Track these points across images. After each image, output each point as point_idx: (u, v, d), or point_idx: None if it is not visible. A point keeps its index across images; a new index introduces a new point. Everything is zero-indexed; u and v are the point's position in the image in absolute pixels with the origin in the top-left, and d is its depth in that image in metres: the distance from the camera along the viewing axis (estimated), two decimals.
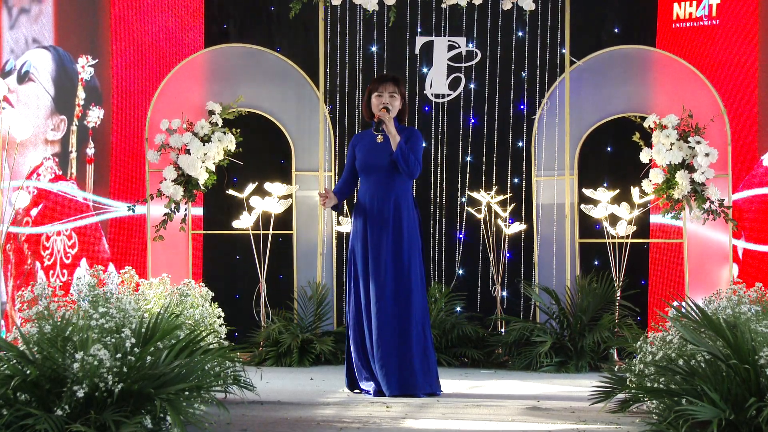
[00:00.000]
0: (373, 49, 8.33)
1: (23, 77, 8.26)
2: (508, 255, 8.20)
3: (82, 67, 8.28)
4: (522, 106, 8.28)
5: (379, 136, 6.08)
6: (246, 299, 8.12)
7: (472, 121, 8.35)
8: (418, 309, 6.01)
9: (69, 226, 8.18)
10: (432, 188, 8.34)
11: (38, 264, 8.12)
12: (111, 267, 8.10)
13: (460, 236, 8.33)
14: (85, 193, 8.23)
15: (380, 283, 5.98)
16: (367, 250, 6.05)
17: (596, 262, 8.10)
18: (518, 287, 8.14)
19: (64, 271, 8.13)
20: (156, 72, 8.24)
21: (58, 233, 8.14)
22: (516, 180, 8.26)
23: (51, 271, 8.12)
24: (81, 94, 8.27)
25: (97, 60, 8.31)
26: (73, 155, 8.28)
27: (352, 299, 6.11)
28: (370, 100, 6.15)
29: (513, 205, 8.17)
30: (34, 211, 8.15)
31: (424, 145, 6.24)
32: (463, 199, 8.30)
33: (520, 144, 8.29)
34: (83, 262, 8.14)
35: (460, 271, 8.34)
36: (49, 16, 8.35)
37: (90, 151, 8.28)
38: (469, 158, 8.33)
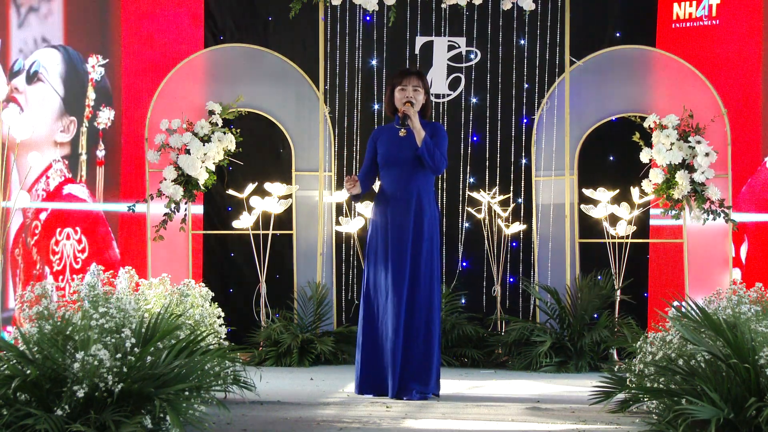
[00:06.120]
0: (373, 49, 8.32)
1: (32, 77, 8.06)
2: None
3: (92, 67, 8.08)
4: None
5: (402, 129, 6.02)
6: (246, 299, 8.12)
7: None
8: (435, 306, 5.97)
9: (78, 229, 8.07)
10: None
11: (47, 269, 7.96)
12: (122, 272, 8.04)
13: (464, 264, 8.32)
14: (96, 204, 8.10)
15: (397, 275, 5.88)
16: (387, 241, 5.95)
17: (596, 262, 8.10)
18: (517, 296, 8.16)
19: (74, 276, 8.05)
20: (165, 73, 8.14)
21: (68, 237, 8.01)
22: (516, 184, 8.26)
23: (60, 277, 7.96)
24: (91, 94, 8.08)
25: (107, 60, 8.18)
26: (83, 157, 8.08)
27: (370, 293, 5.98)
28: (393, 94, 6.06)
29: (513, 205, 8.17)
30: (42, 215, 8.03)
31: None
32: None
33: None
34: (93, 267, 8.05)
35: (463, 264, 8.34)
36: (58, 15, 8.15)
37: (100, 153, 8.08)
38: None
